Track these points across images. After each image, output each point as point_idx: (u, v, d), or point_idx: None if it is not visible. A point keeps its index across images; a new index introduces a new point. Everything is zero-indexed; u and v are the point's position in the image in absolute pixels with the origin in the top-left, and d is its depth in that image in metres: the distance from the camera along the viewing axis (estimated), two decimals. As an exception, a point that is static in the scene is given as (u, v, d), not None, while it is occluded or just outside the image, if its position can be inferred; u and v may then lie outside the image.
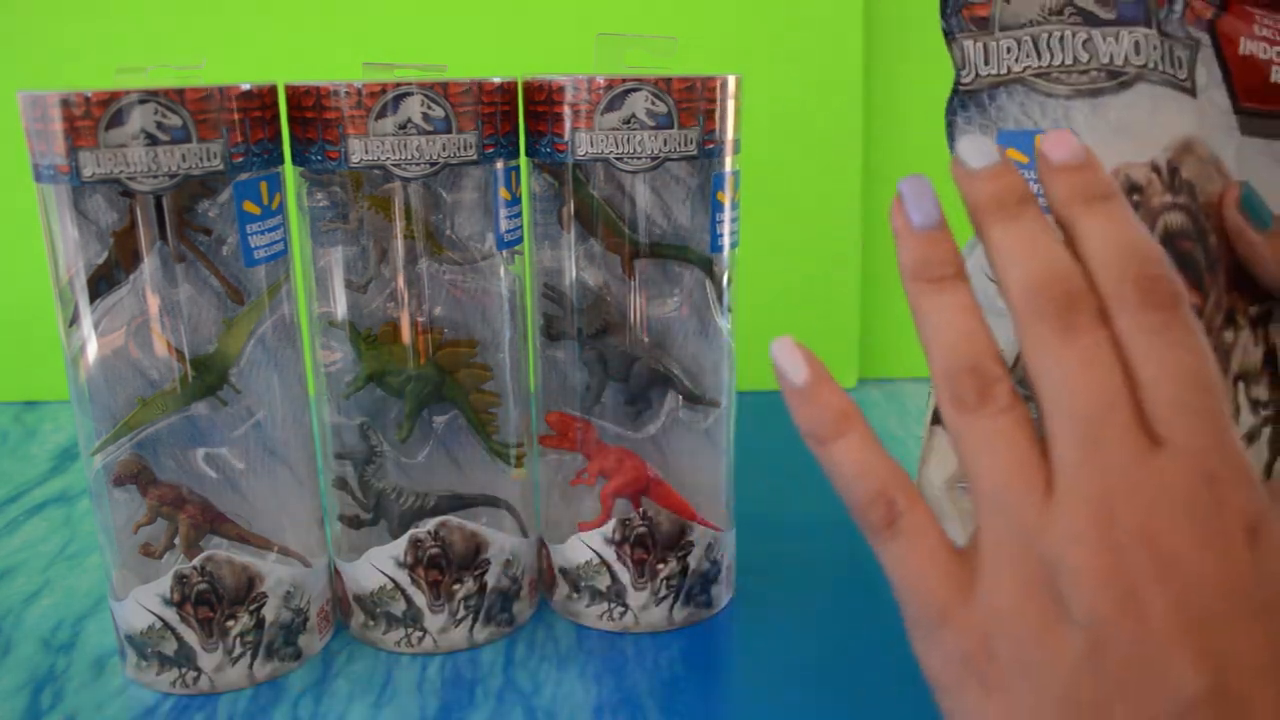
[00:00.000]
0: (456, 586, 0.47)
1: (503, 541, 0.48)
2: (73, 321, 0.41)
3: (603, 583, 0.49)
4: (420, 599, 0.47)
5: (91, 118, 0.37)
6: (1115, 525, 0.24)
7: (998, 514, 0.26)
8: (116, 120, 0.38)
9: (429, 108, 0.41)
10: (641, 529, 0.48)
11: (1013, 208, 0.28)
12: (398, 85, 0.41)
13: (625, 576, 0.49)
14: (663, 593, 0.49)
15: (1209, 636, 0.23)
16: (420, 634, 0.48)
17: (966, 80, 0.42)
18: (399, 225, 0.43)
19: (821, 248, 0.83)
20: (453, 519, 0.46)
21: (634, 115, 0.43)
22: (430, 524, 0.46)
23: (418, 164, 0.42)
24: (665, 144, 0.43)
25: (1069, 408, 0.25)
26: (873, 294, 0.84)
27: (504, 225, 0.45)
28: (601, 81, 0.43)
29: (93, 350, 0.41)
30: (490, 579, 0.48)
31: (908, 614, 0.28)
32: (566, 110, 0.43)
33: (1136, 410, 0.25)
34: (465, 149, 0.42)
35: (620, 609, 0.49)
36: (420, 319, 0.44)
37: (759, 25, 0.78)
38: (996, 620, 0.25)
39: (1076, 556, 0.24)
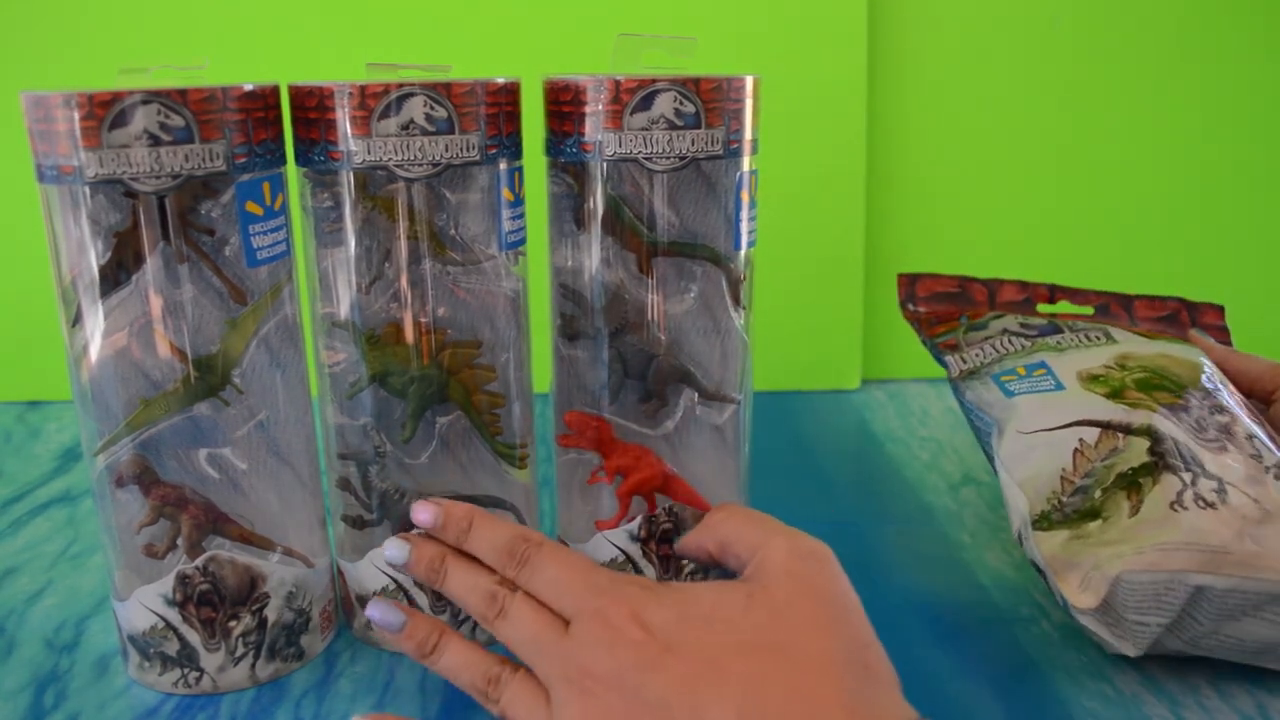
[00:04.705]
0: (459, 587, 0.47)
1: (505, 542, 0.48)
2: (75, 322, 0.41)
3: None
4: (423, 600, 0.47)
5: (94, 118, 0.37)
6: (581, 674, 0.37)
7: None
8: (119, 121, 0.38)
9: (432, 108, 0.41)
10: (667, 525, 0.48)
11: (464, 528, 0.43)
12: (401, 86, 0.41)
13: (651, 573, 0.49)
14: None
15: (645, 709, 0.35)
16: (423, 635, 0.48)
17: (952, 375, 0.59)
18: (402, 226, 0.43)
19: (825, 249, 0.83)
20: (455, 520, 0.46)
21: (662, 115, 0.43)
22: (433, 525, 0.46)
23: (420, 165, 0.42)
24: (693, 144, 0.44)
25: (527, 640, 0.39)
26: (876, 295, 0.84)
27: (507, 226, 0.45)
28: (630, 82, 0.43)
29: (95, 350, 0.41)
30: (493, 580, 0.48)
31: None
32: (593, 111, 0.43)
33: (553, 618, 0.39)
34: (468, 150, 0.42)
35: None
36: (424, 320, 0.44)
37: (762, 26, 0.78)
38: None
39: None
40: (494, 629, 0.40)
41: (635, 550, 0.49)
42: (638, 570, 0.49)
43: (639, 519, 0.49)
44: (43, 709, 0.44)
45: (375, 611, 0.43)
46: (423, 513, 0.43)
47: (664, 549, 0.49)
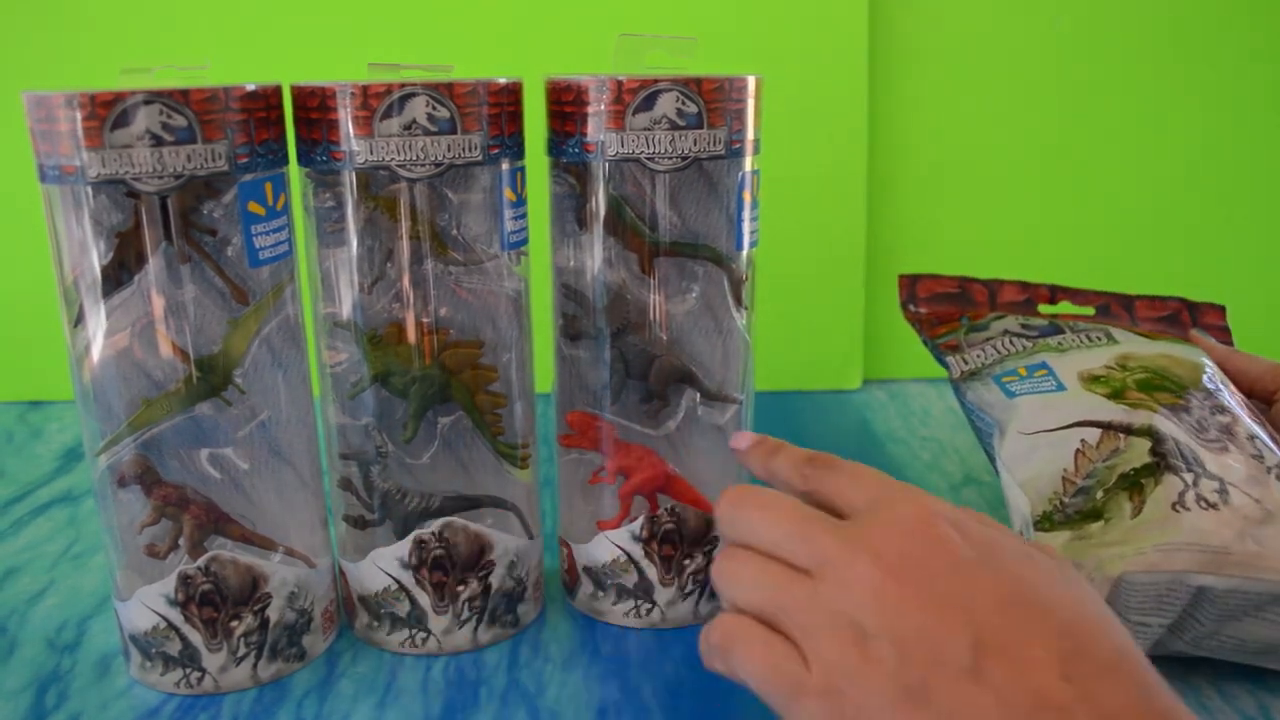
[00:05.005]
0: (460, 588, 0.47)
1: (507, 543, 0.48)
2: (77, 322, 0.41)
3: (630, 580, 0.49)
4: (424, 600, 0.47)
5: (97, 118, 0.37)
6: (870, 571, 0.34)
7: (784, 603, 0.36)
8: (122, 121, 0.38)
9: (434, 108, 0.41)
10: (669, 525, 0.48)
11: (775, 449, 0.42)
12: (403, 86, 0.41)
13: (652, 573, 0.49)
14: (689, 588, 0.49)
15: (957, 609, 0.33)
16: (424, 635, 0.48)
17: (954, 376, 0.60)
18: (404, 226, 0.43)
19: (825, 249, 0.83)
20: (457, 520, 0.46)
21: (665, 115, 0.43)
22: (435, 525, 0.46)
23: (423, 165, 0.42)
24: (695, 144, 0.44)
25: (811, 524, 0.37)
26: (877, 295, 0.84)
27: (509, 226, 0.45)
28: (632, 83, 0.43)
29: (97, 350, 0.41)
30: (495, 580, 0.48)
31: (772, 699, 0.35)
32: (595, 111, 0.43)
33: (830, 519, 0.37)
34: (470, 150, 0.42)
35: (647, 605, 0.49)
36: (426, 320, 0.44)
37: (763, 25, 0.78)
38: (829, 672, 0.34)
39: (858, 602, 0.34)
40: (810, 479, 0.40)
41: (638, 550, 0.49)
42: (639, 570, 0.49)
43: (641, 519, 0.49)
44: (44, 709, 0.44)
45: (738, 442, 0.44)
46: (740, 441, 0.44)
47: (665, 549, 0.49)
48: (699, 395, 0.48)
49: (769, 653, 0.35)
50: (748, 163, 0.46)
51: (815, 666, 0.33)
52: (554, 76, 0.45)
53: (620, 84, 0.43)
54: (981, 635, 0.32)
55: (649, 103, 0.43)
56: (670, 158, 0.44)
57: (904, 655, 0.32)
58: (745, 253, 0.47)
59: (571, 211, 0.46)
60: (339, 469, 0.47)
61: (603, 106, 0.43)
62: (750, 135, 0.45)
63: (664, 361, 0.47)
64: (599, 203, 0.45)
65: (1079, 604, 0.34)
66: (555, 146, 0.46)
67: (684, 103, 0.43)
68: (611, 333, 0.47)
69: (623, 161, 0.44)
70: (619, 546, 0.49)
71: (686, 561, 0.49)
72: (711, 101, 0.44)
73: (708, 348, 0.48)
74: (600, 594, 0.50)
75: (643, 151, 0.44)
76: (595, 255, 0.46)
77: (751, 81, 0.45)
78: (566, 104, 0.44)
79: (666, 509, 0.48)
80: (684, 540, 0.49)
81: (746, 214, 0.46)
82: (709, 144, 0.44)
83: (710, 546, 0.49)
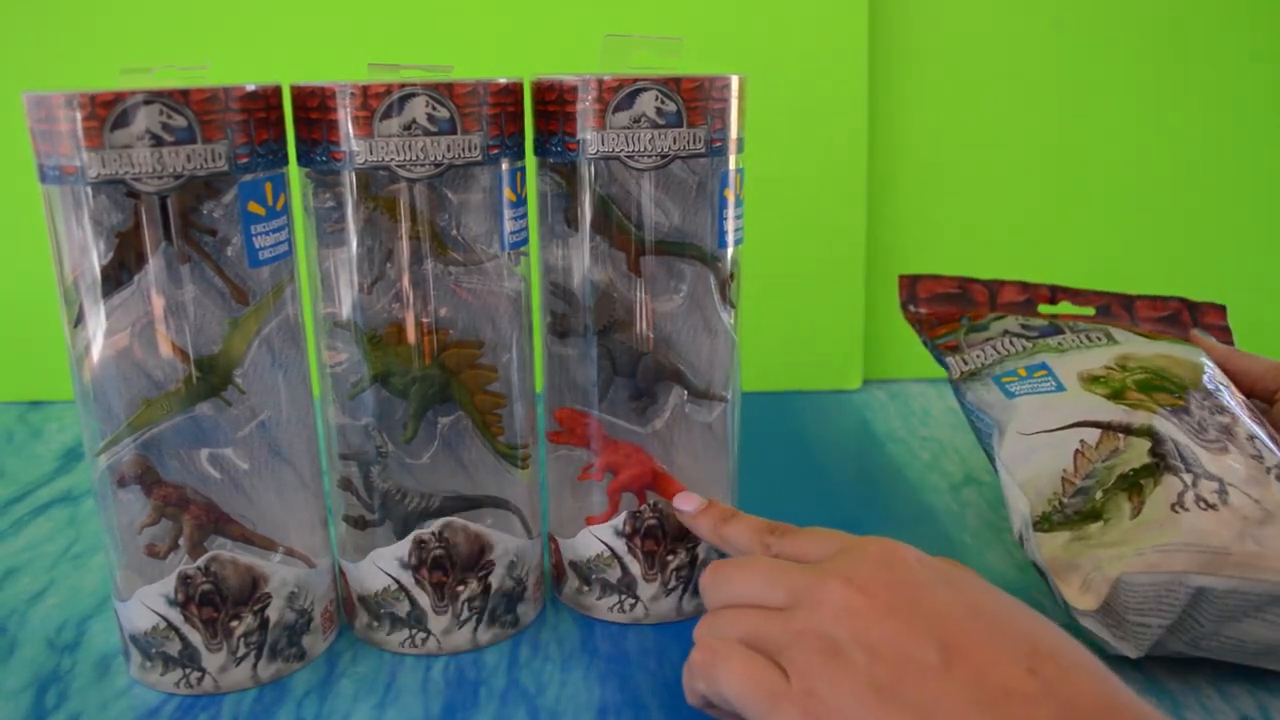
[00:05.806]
0: (460, 588, 0.47)
1: (507, 543, 0.48)
2: (77, 322, 0.41)
3: (613, 575, 0.49)
4: (424, 600, 0.47)
5: (97, 118, 0.37)
6: (843, 593, 0.37)
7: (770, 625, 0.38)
8: (122, 121, 0.38)
9: (434, 108, 0.41)
10: (652, 521, 0.49)
11: (728, 516, 0.46)
12: (403, 86, 0.41)
13: (635, 568, 0.49)
14: (672, 583, 0.49)
15: (923, 617, 0.35)
16: (424, 635, 0.48)
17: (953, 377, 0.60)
18: (404, 226, 0.43)
19: (825, 249, 0.83)
20: (457, 520, 0.46)
21: (644, 114, 0.43)
22: (435, 525, 0.46)
23: (423, 165, 0.42)
24: (674, 142, 0.44)
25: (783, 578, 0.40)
26: (877, 295, 0.84)
27: (509, 226, 0.45)
28: (612, 81, 0.43)
29: (97, 350, 0.41)
30: (494, 580, 0.48)
31: (751, 710, 0.36)
32: (578, 110, 0.44)
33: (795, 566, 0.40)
34: (470, 150, 0.42)
35: (631, 600, 0.50)
36: (425, 320, 0.44)
37: (764, 25, 0.78)
38: (804, 677, 0.36)
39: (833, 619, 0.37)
40: (773, 546, 0.43)
41: (621, 545, 0.49)
42: (622, 565, 0.49)
43: (624, 514, 0.49)
44: (44, 709, 0.44)
45: (684, 504, 0.47)
46: (686, 503, 0.47)
47: (648, 544, 0.49)
48: (686, 393, 0.48)
49: (750, 666, 0.37)
50: (730, 161, 0.46)
51: (793, 676, 0.35)
52: (539, 76, 0.45)
53: (601, 83, 0.43)
54: (948, 639, 0.34)
55: (629, 101, 0.43)
56: (650, 156, 0.44)
57: (874, 657, 0.34)
58: (730, 251, 0.47)
59: (559, 210, 0.47)
60: (339, 469, 0.47)
61: (585, 105, 0.44)
62: (733, 134, 0.45)
63: (651, 359, 0.47)
64: (585, 201, 0.45)
65: (1039, 620, 0.36)
66: (541, 146, 0.46)
67: (663, 102, 0.43)
68: (599, 331, 0.47)
69: (604, 160, 0.44)
70: (602, 541, 0.49)
71: (669, 557, 0.49)
72: (691, 100, 0.44)
73: (695, 346, 0.48)
74: (585, 589, 0.50)
75: (623, 150, 0.44)
76: (583, 254, 0.46)
77: (734, 81, 0.45)
78: (550, 103, 0.45)
79: (650, 504, 0.49)
80: (667, 536, 0.49)
81: (730, 212, 0.47)
82: (689, 143, 0.44)
83: (693, 543, 0.50)
